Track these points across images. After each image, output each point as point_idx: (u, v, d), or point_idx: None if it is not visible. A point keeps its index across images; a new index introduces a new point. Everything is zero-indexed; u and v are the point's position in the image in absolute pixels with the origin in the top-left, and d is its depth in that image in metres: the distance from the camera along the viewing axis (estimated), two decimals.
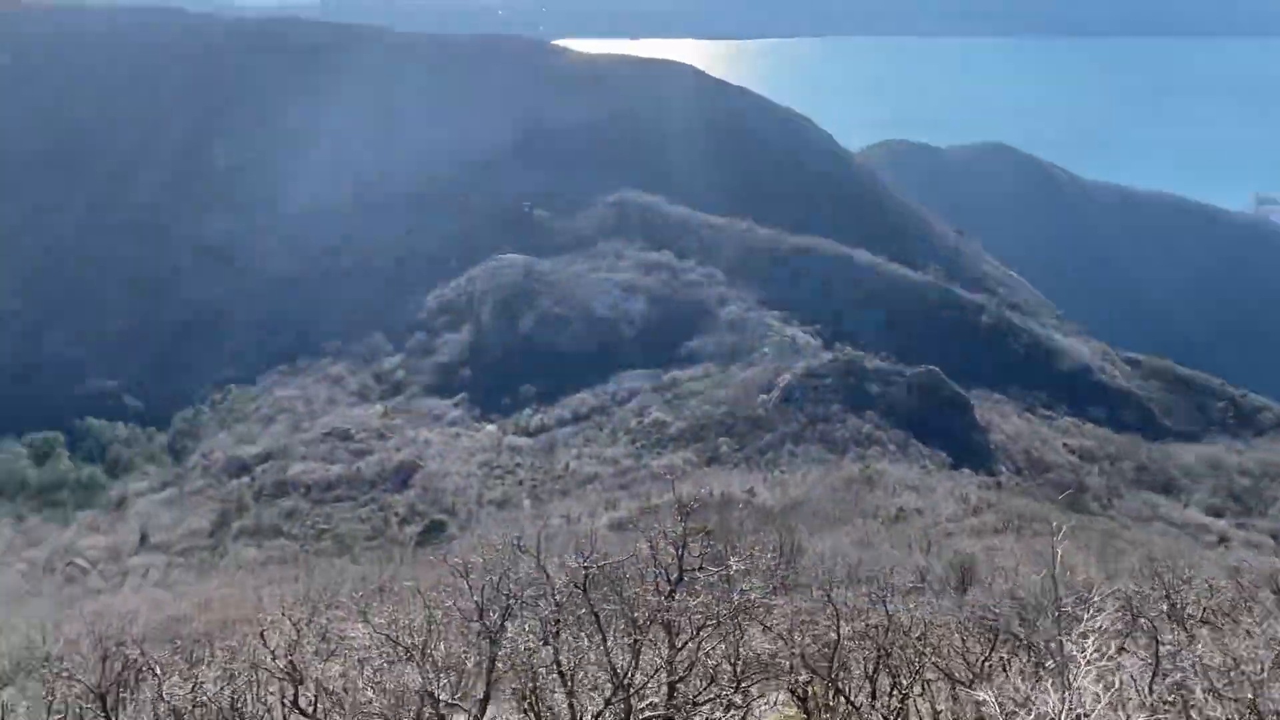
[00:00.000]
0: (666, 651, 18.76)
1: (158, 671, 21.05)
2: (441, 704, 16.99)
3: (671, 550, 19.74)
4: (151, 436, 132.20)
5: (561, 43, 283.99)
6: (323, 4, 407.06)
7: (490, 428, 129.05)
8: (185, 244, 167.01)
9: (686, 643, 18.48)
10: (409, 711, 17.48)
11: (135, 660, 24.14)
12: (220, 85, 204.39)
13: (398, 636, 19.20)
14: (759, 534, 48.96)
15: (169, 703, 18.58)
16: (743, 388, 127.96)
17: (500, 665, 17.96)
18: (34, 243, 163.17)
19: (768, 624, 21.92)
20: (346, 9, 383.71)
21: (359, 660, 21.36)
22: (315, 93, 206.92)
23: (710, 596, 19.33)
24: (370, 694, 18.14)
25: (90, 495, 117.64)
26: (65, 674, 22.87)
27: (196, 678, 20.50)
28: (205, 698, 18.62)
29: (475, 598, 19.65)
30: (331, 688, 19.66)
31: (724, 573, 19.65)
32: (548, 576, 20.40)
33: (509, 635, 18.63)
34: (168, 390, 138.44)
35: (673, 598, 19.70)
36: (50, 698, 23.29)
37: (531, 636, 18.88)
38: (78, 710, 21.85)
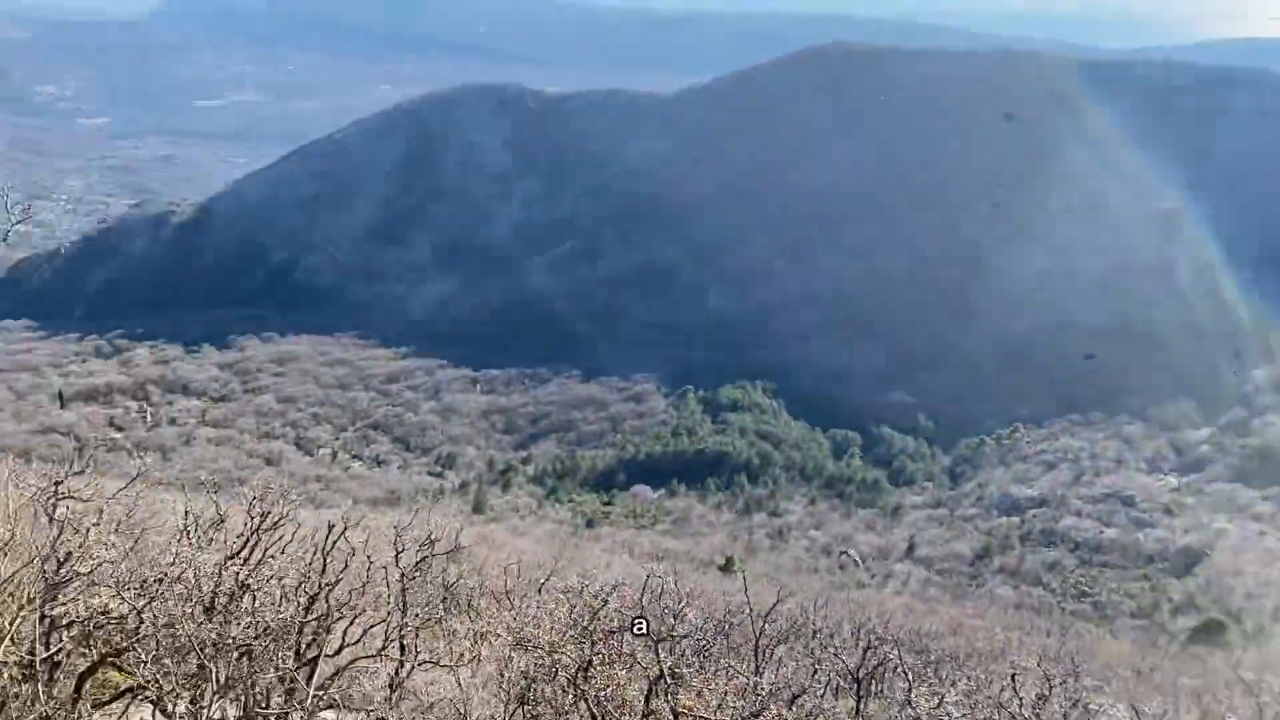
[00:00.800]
0: None
1: (909, 677, 21.69)
2: None
3: None
4: (934, 455, 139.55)
5: None
6: (1209, 47, 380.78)
7: None
8: (1000, 279, 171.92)
9: None
10: None
11: (889, 658, 25.34)
12: (1060, 125, 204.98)
13: None
14: None
15: (914, 710, 18.91)
16: None
17: None
18: (868, 264, 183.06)
19: None
20: (1230, 52, 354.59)
21: None
22: (1162, 138, 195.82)
23: None
24: None
25: (871, 496, 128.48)
26: (832, 650, 25.00)
27: (942, 696, 20.61)
28: (946, 716, 18.55)
29: None
30: None
31: None
32: None
33: None
34: (958, 415, 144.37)
35: None
36: (816, 666, 25.59)
37: None
38: (834, 685, 23.67)
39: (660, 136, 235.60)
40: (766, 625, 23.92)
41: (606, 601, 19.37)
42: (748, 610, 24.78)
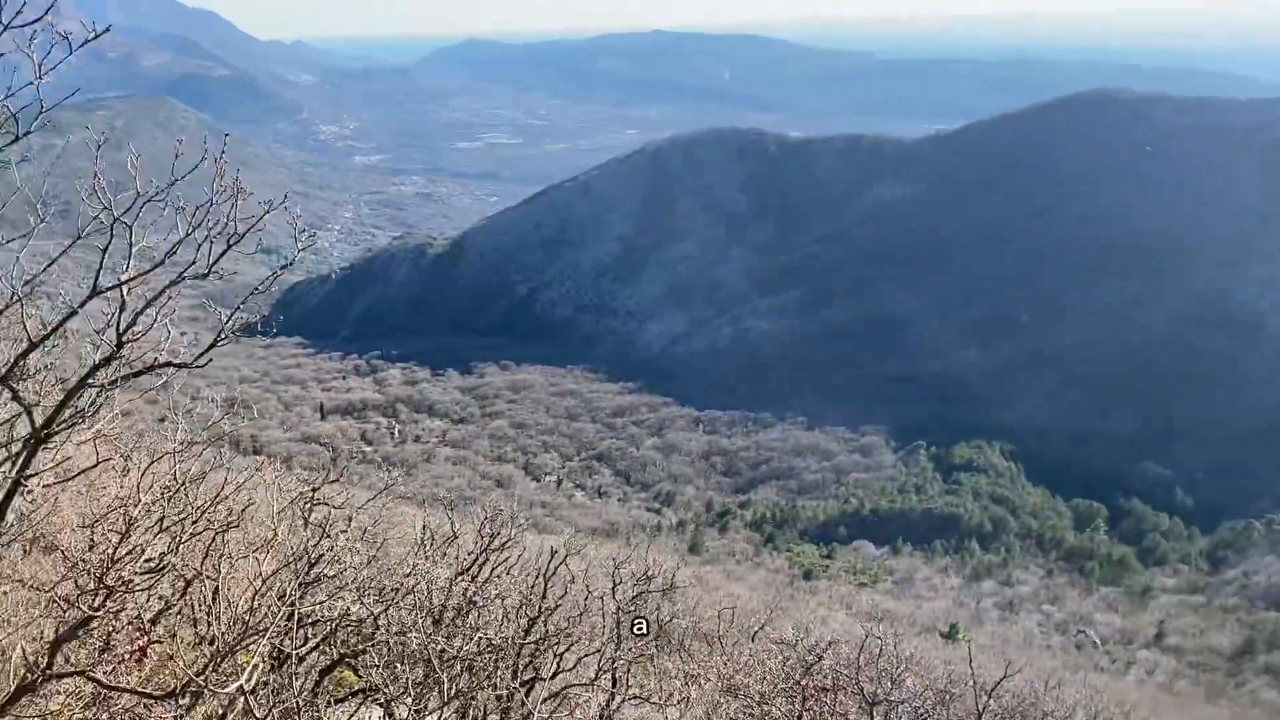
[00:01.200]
0: None
1: None
2: None
3: None
4: (1192, 536, 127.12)
5: None
6: None
7: None
8: (1278, 345, 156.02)
9: None
10: None
11: None
12: None
13: None
14: None
15: None
16: None
17: None
18: (1125, 323, 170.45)
19: None
20: None
21: None
22: None
23: None
24: None
25: (1116, 574, 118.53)
26: None
27: None
28: None
29: None
30: None
31: None
32: None
33: None
34: (1222, 494, 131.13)
35: None
36: None
37: None
38: None
39: (902, 183, 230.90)
40: (991, 700, 22.46)
41: (821, 657, 18.80)
42: (971, 682, 23.40)
